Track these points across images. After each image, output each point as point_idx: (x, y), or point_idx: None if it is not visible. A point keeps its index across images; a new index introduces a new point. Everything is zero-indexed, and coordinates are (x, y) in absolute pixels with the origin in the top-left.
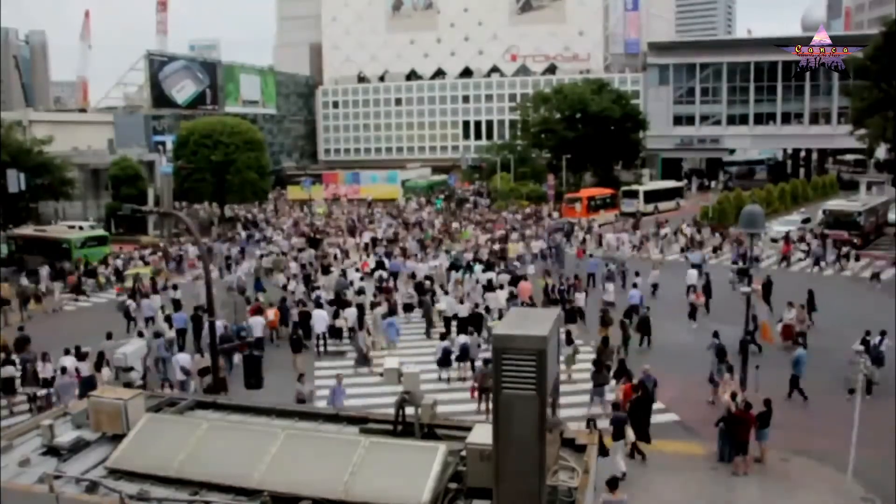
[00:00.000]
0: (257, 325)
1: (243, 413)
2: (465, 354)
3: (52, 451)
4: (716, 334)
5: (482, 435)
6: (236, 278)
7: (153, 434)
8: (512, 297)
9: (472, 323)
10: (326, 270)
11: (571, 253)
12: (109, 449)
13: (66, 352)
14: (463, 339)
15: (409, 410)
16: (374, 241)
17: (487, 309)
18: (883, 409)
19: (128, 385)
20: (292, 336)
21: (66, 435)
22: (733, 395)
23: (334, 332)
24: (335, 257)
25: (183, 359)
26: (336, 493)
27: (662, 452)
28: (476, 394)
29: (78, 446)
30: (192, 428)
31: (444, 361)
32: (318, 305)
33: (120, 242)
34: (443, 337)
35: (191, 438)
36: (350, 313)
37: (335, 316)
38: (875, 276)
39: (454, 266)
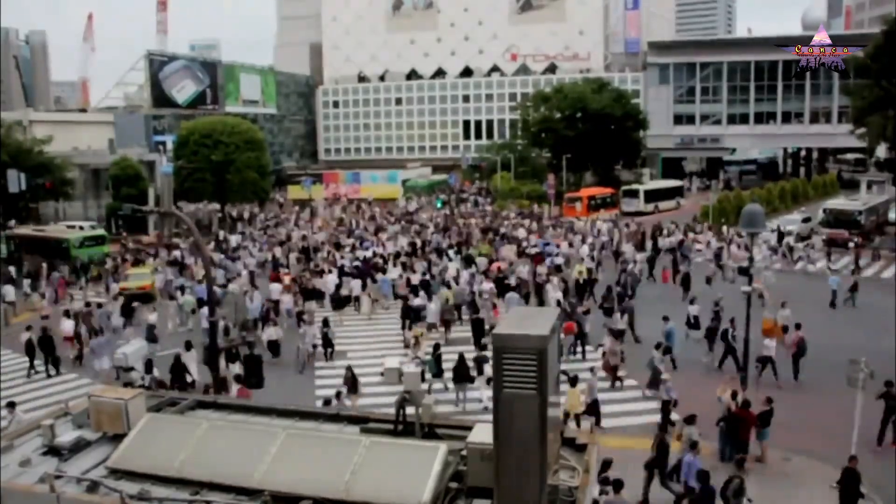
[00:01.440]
0: (274, 291)
1: (244, 413)
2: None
3: (52, 450)
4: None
5: (483, 434)
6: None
7: (154, 434)
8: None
9: (423, 288)
10: (311, 294)
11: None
12: (110, 449)
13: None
14: (417, 301)
15: (410, 410)
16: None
17: (433, 276)
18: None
19: (128, 385)
20: (334, 296)
21: (66, 435)
22: (734, 395)
23: (338, 302)
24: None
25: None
26: (337, 493)
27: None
28: (441, 325)
29: (79, 446)
30: (193, 427)
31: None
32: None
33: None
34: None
35: (191, 438)
36: (355, 284)
37: (338, 287)
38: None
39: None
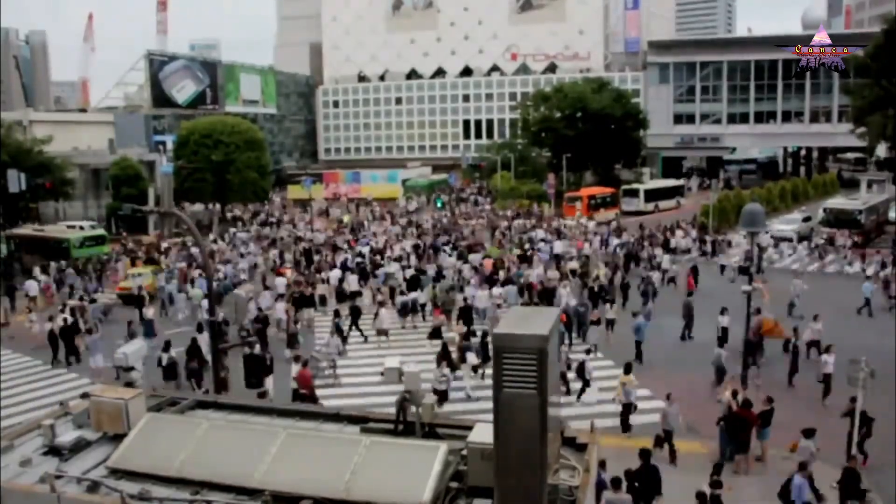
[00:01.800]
0: (280, 285)
1: (244, 412)
2: (415, 306)
3: (53, 450)
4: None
5: (483, 434)
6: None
7: (154, 434)
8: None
9: (414, 283)
10: (307, 301)
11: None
12: (110, 449)
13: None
14: (413, 295)
15: (411, 409)
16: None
17: (424, 272)
18: (883, 409)
19: (128, 385)
20: (337, 289)
21: (67, 435)
22: (734, 394)
23: (341, 296)
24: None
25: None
26: (337, 493)
27: (663, 451)
28: (440, 313)
29: (79, 446)
30: (193, 427)
31: (402, 312)
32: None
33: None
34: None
35: (192, 438)
36: (352, 279)
37: (340, 281)
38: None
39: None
